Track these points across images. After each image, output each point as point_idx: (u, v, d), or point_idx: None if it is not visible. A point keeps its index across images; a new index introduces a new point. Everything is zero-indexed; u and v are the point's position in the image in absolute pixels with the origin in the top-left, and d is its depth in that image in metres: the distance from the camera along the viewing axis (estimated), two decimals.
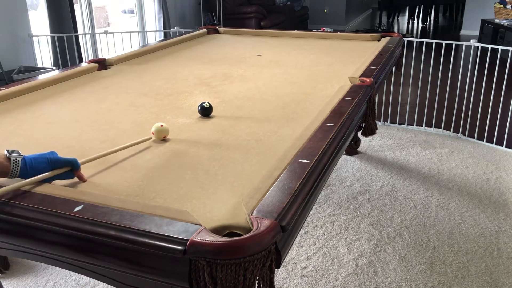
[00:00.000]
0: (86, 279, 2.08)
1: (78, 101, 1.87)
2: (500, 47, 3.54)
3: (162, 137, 1.45)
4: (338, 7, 9.14)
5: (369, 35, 3.12)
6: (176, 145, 1.42)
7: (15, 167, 1.08)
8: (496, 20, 6.83)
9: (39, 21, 4.60)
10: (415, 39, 3.88)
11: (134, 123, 1.62)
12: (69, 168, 1.15)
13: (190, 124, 1.59)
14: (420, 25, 10.15)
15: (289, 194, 1.04)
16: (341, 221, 2.52)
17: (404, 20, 10.96)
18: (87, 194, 1.07)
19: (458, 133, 3.67)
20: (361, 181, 2.96)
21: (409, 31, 9.49)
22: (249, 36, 3.31)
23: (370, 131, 2.03)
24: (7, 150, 1.10)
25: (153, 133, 1.44)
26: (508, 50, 3.40)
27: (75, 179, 1.19)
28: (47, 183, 1.13)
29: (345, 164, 3.20)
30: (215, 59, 2.57)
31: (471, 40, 3.49)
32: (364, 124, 1.99)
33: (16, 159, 1.08)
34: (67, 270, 1.62)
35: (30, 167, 1.09)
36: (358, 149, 3.40)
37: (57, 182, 1.16)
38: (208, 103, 1.65)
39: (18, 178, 1.10)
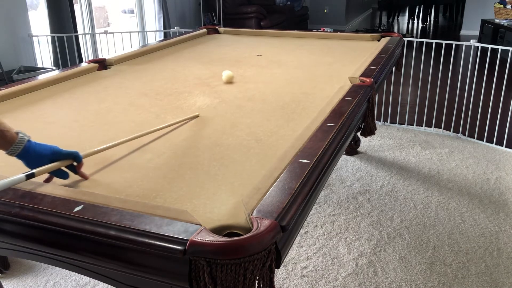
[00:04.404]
0: (86, 279, 2.08)
1: (78, 101, 1.87)
2: (500, 47, 3.54)
3: (230, 80, 2.05)
4: (338, 7, 9.14)
5: (369, 35, 3.12)
6: (176, 145, 1.42)
7: (19, 144, 1.12)
8: (496, 20, 6.83)
9: (39, 21, 4.60)
10: (415, 39, 3.88)
11: (134, 123, 1.61)
12: (71, 162, 1.17)
13: (190, 124, 1.59)
14: (420, 25, 10.14)
15: (289, 194, 1.04)
16: (341, 221, 2.51)
17: (404, 20, 10.96)
18: (87, 194, 1.07)
19: (458, 133, 3.67)
20: (361, 181, 2.96)
21: (409, 31, 9.49)
22: (249, 36, 3.31)
23: (369, 131, 2.03)
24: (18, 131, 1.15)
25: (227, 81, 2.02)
26: (508, 50, 3.40)
27: (77, 178, 1.19)
28: (46, 183, 1.13)
29: (345, 164, 3.20)
30: (215, 59, 2.57)
31: (471, 40, 3.49)
32: (363, 125, 1.99)
33: (23, 136, 1.13)
34: (67, 270, 1.62)
35: (33, 149, 1.13)
36: (358, 149, 3.40)
37: (58, 181, 1.16)
38: None
39: (15, 158, 1.13)
